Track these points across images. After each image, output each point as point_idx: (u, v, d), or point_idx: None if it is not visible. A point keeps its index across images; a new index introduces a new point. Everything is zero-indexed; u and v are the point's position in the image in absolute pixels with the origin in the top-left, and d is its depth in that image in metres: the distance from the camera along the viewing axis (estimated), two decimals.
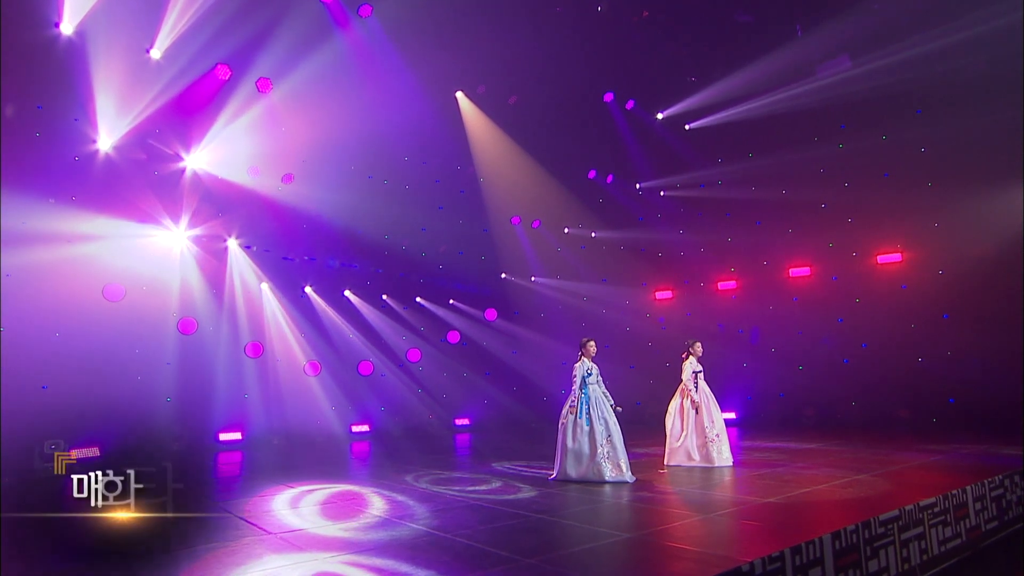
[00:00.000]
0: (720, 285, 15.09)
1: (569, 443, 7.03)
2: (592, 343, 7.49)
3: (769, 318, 14.08)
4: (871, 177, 12.68)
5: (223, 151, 11.26)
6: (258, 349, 12.84)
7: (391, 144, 13.41)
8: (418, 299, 15.06)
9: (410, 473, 7.91)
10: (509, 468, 8.22)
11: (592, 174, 16.03)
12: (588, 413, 7.07)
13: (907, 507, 5.25)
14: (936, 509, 5.59)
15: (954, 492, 5.89)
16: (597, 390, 7.25)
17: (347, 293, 14.10)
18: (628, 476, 6.88)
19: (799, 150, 13.22)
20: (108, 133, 10.03)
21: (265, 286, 12.90)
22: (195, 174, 11.20)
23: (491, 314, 15.97)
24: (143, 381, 11.43)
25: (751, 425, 13.56)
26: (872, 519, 4.84)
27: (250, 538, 4.67)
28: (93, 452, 9.65)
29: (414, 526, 4.92)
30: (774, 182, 13.66)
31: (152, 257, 11.40)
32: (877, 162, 12.55)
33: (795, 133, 13.34)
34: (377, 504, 5.87)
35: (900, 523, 5.13)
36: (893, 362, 12.31)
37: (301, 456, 10.78)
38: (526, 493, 6.31)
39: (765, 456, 8.79)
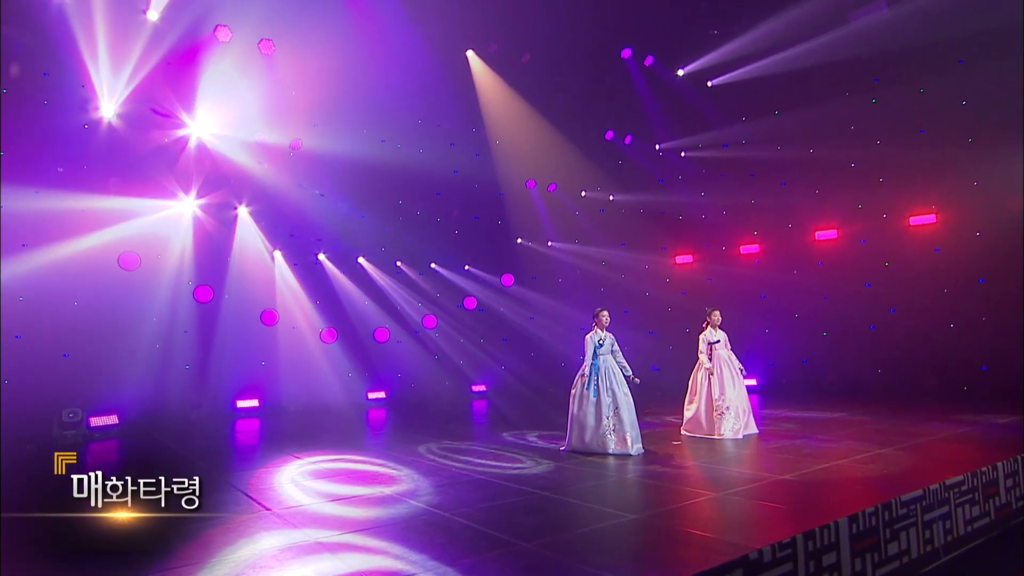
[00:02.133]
0: (743, 249, 14.63)
1: (576, 413, 6.95)
2: (605, 313, 7.26)
3: (793, 283, 13.62)
4: (905, 133, 12.00)
5: (228, 117, 11.04)
6: (273, 317, 12.84)
7: (401, 106, 13.05)
8: (433, 265, 14.88)
9: (420, 444, 7.84)
10: (520, 439, 8.10)
11: (610, 135, 15.49)
12: (596, 384, 6.88)
13: (932, 486, 4.99)
14: (964, 487, 5.31)
15: (984, 469, 5.59)
16: (609, 360, 7.05)
17: (361, 260, 13.96)
18: (633, 450, 6.71)
19: (828, 106, 12.56)
20: (109, 100, 9.83)
21: (278, 254, 12.83)
22: (200, 141, 11.01)
23: (508, 279, 15.74)
24: (162, 349, 11.54)
25: (773, 392, 13.27)
26: (893, 500, 4.59)
27: (248, 515, 4.60)
28: (112, 420, 9.77)
29: (415, 503, 4.80)
30: (801, 141, 13.05)
31: (165, 226, 11.35)
32: (913, 117, 11.85)
33: (825, 88, 12.65)
34: (382, 478, 5.79)
35: (924, 503, 4.87)
36: (923, 328, 11.84)
37: (316, 424, 10.81)
38: (533, 467, 6.17)
39: (785, 427, 8.53)
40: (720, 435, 7.63)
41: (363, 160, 13.13)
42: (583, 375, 6.94)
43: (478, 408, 13.29)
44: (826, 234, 13.30)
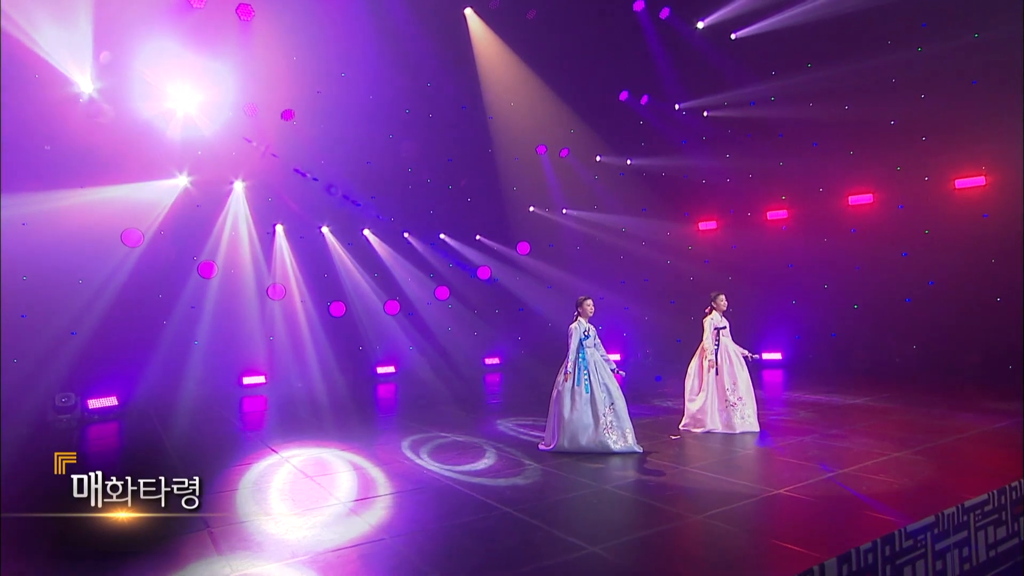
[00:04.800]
0: (769, 215, 13.68)
1: (567, 413, 6.35)
2: (590, 301, 6.65)
3: (823, 251, 12.70)
4: (954, 86, 10.81)
5: (214, 88, 10.60)
6: (279, 291, 12.66)
7: (401, 71, 12.41)
8: (442, 235, 14.42)
9: (408, 435, 7.52)
10: (513, 429, 7.70)
11: (624, 95, 14.50)
12: (588, 379, 6.36)
13: (947, 510, 4.37)
14: (987, 508, 4.67)
15: (1014, 484, 4.92)
16: (595, 354, 6.50)
17: (366, 232, 13.58)
18: (635, 446, 6.23)
19: (867, 57, 11.39)
20: (81, 73, 9.45)
21: (280, 228, 12.55)
22: (187, 115, 10.63)
23: (523, 248, 15.18)
24: (168, 326, 11.50)
25: (798, 368, 12.56)
26: (897, 532, 4.01)
27: (185, 534, 4.31)
28: (111, 402, 9.75)
29: (359, 522, 4.45)
30: (835, 97, 11.94)
31: (163, 202, 11.14)
32: (964, 67, 10.64)
33: (864, 36, 11.47)
34: (343, 485, 5.46)
35: (936, 531, 4.27)
36: (965, 301, 10.88)
37: (317, 403, 10.65)
38: (511, 471, 5.76)
39: (800, 416, 7.89)
40: (735, 429, 7.04)
41: (367, 129, 12.66)
42: (568, 372, 6.39)
43: (488, 384, 12.97)
44: (860, 199, 12.27)
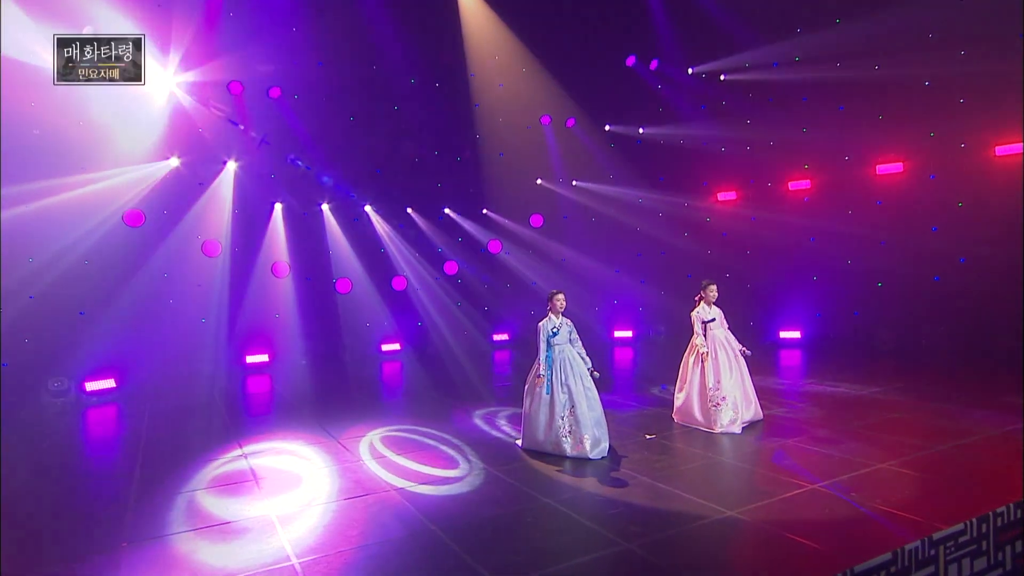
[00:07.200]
0: (791, 185, 12.83)
1: (528, 410, 6.21)
2: (561, 296, 6.26)
3: (847, 224, 11.85)
4: (999, 41, 9.71)
5: (202, 67, 10.40)
6: (283, 269, 12.64)
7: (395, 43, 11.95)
8: (447, 210, 14.10)
9: (379, 426, 7.40)
10: (487, 424, 7.46)
11: (631, 60, 13.63)
12: (549, 379, 6.05)
13: (909, 545, 3.91)
14: (963, 539, 4.18)
15: (1000, 510, 4.40)
16: (567, 351, 6.14)
17: (368, 209, 13.36)
18: (593, 453, 5.89)
19: (901, 10, 10.31)
20: (44, 53, 9.31)
21: (279, 206, 12.45)
22: (173, 94, 10.48)
23: (536, 220, 14.73)
24: (175, 304, 11.65)
25: (817, 348, 11.90)
26: (843, 574, 3.59)
27: (97, 552, 4.25)
28: (109, 384, 9.91)
29: (276, 541, 4.27)
30: (864, 56, 10.93)
31: (160, 183, 11.14)
32: (1010, 19, 9.52)
33: None
34: (284, 491, 5.33)
35: (893, 569, 3.83)
36: (1000, 281, 10.03)
37: (310, 386, 10.67)
38: (462, 477, 5.54)
39: (798, 412, 7.35)
40: (716, 429, 6.65)
41: (369, 102, 12.36)
42: (539, 373, 6.08)
43: (492, 363, 12.76)
44: (889, 168, 11.34)
